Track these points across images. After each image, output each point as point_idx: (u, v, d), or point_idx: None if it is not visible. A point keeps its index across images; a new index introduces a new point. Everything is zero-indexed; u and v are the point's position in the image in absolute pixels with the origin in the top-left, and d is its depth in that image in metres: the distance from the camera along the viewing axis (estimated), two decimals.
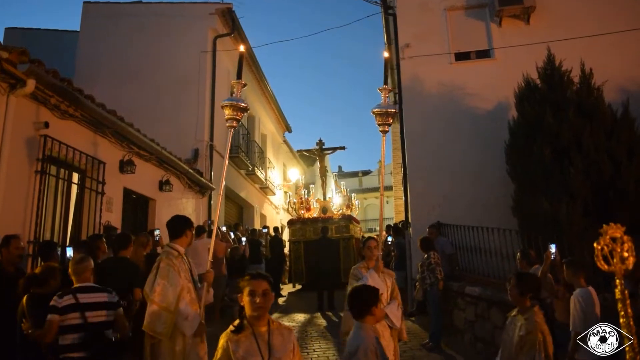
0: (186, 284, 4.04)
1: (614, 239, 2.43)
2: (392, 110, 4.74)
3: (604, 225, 2.46)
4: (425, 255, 8.10)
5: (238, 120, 4.55)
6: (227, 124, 4.54)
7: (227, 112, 4.44)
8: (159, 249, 8.13)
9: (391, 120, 4.81)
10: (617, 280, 2.37)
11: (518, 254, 6.16)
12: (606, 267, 2.39)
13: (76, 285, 3.87)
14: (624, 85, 9.26)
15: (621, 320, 2.32)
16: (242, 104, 4.46)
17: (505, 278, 7.40)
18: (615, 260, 2.38)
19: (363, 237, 16.93)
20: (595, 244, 2.43)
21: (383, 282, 4.70)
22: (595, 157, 7.50)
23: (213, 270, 4.46)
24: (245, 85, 4.64)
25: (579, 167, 7.43)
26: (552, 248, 5.37)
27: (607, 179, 7.43)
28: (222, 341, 2.69)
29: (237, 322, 2.73)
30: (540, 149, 7.88)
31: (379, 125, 4.80)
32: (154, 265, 4.07)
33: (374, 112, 4.76)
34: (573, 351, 4.34)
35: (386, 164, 35.32)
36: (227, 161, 5.11)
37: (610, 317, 4.67)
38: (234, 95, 4.50)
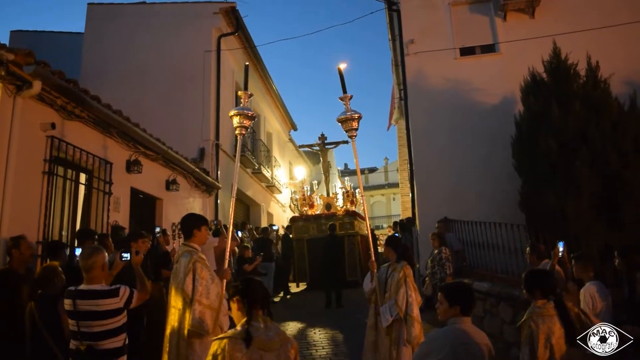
0: (217, 280, 4.20)
1: None
2: (356, 115, 5.06)
3: None
4: (436, 251, 8.10)
5: (246, 128, 4.88)
6: (236, 132, 4.86)
7: (235, 121, 4.76)
8: (169, 247, 8.17)
9: (356, 125, 5.11)
10: None
11: (527, 248, 6.14)
12: None
13: (83, 285, 3.55)
14: (631, 78, 9.19)
15: None
16: (250, 113, 4.80)
17: (513, 273, 7.42)
18: None
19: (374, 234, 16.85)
20: None
21: (375, 279, 5.13)
22: (601, 151, 7.46)
23: (229, 269, 4.58)
24: (251, 95, 5.00)
25: (586, 160, 7.39)
26: (561, 246, 5.36)
27: (613, 172, 7.38)
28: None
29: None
30: (547, 142, 7.85)
31: (346, 131, 5.15)
32: (178, 263, 4.15)
33: (338, 120, 5.13)
34: None
35: (392, 160, 35.31)
36: (237, 166, 5.26)
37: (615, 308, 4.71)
38: (241, 104, 4.83)
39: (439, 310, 3.22)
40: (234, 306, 2.76)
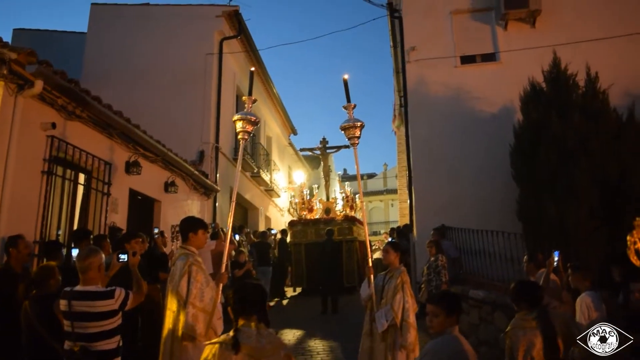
0: (212, 283, 4.23)
1: None
2: (359, 123, 5.19)
3: (637, 218, 2.55)
4: (433, 258, 8.12)
5: (249, 133, 4.97)
6: (238, 137, 4.97)
7: (239, 126, 4.85)
8: (166, 249, 8.15)
9: (358, 133, 5.23)
10: None
11: (525, 256, 6.14)
12: (638, 262, 2.45)
13: (79, 286, 3.55)
14: (630, 89, 9.23)
15: None
16: (253, 118, 4.90)
17: (509, 281, 7.42)
18: None
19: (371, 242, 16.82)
20: (628, 237, 2.50)
21: (373, 286, 5.11)
22: (601, 161, 7.47)
23: (225, 273, 4.62)
24: (255, 101, 5.10)
25: (585, 170, 7.40)
26: (556, 256, 5.36)
27: (613, 182, 7.39)
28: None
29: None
30: (546, 152, 7.86)
31: (349, 138, 5.29)
32: (174, 266, 4.17)
33: (341, 128, 5.26)
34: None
35: (391, 166, 35.36)
36: (238, 171, 5.31)
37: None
38: (245, 109, 4.94)
39: (433, 322, 3.07)
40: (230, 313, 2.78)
